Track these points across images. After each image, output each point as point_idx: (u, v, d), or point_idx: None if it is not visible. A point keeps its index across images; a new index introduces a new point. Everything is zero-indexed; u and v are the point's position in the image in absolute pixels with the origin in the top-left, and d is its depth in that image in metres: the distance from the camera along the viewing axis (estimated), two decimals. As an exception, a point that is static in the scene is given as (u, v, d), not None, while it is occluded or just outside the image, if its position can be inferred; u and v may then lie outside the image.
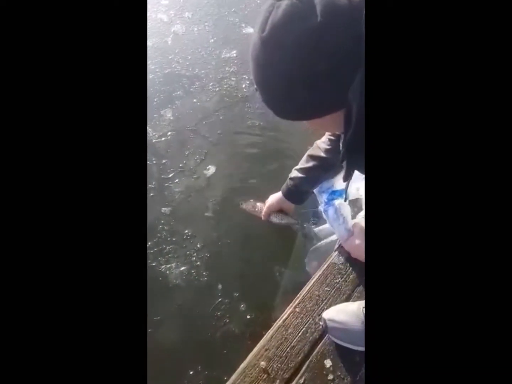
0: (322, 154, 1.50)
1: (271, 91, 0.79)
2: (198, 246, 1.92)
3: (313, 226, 1.82)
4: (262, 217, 1.84)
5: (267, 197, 1.85)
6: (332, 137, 1.46)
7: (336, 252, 1.49)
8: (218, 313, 1.62)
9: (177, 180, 2.14)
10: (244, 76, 2.75)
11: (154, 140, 2.33)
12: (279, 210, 1.79)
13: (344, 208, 1.50)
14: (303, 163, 1.60)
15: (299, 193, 1.69)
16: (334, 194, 1.61)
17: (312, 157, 1.56)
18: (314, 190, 1.70)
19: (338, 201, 1.55)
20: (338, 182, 1.61)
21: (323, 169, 1.55)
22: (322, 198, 1.64)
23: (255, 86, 0.81)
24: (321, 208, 1.66)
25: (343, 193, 1.52)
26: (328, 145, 1.48)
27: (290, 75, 0.73)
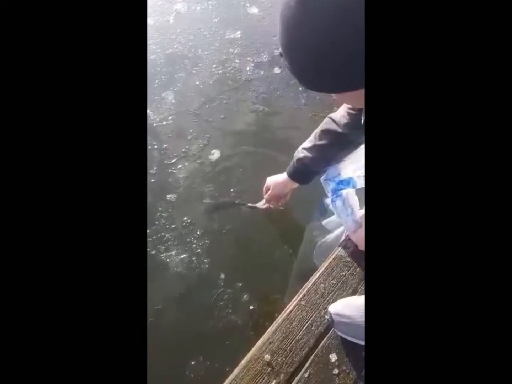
0: (339, 130, 1.36)
1: (303, 57, 0.71)
2: (198, 233, 1.88)
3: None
4: (265, 202, 1.79)
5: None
6: (353, 111, 1.30)
7: (343, 244, 1.46)
8: (221, 303, 1.60)
9: (180, 166, 2.08)
10: (248, 59, 2.66)
11: (155, 124, 2.27)
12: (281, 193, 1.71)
13: (352, 199, 1.45)
14: (315, 140, 1.44)
15: (308, 174, 1.53)
16: (342, 183, 1.55)
17: (326, 133, 1.41)
18: (321, 179, 1.64)
19: (346, 191, 1.50)
20: (345, 170, 1.56)
21: (339, 146, 1.41)
22: (329, 188, 1.59)
23: (280, 51, 0.73)
24: (327, 201, 1.62)
25: (351, 182, 1.47)
26: (348, 120, 1.33)
27: (329, 40, 0.65)
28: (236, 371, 1.21)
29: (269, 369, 1.20)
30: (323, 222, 1.72)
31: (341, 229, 1.60)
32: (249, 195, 1.97)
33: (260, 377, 1.19)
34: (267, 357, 1.22)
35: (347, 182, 1.54)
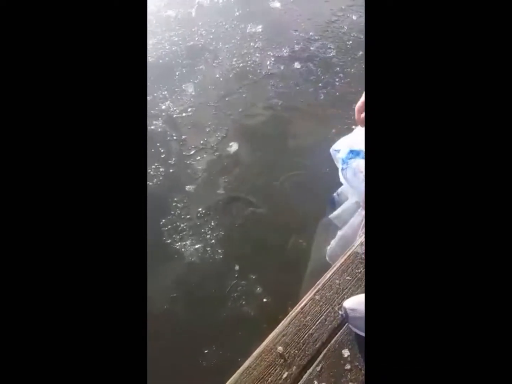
0: None
1: None
2: (212, 224, 1.90)
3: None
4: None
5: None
6: None
7: (359, 241, 1.45)
8: (234, 295, 1.61)
9: (198, 158, 2.10)
10: (269, 53, 2.66)
11: (174, 116, 2.29)
12: None
13: (362, 166, 1.42)
14: None
15: None
16: (352, 153, 1.52)
17: None
18: (331, 149, 1.61)
19: (356, 162, 1.46)
20: (356, 141, 1.52)
21: None
22: (339, 157, 1.55)
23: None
24: (336, 194, 1.60)
25: (361, 152, 1.45)
26: None
27: None
28: (248, 361, 1.22)
29: (282, 360, 1.22)
30: (331, 216, 1.71)
31: (352, 222, 1.59)
32: (265, 188, 1.98)
33: (272, 368, 1.20)
34: (280, 348, 1.23)
35: (357, 153, 1.50)
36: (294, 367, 1.21)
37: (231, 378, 1.18)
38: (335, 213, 1.72)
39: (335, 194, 1.65)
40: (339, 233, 1.68)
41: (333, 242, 1.66)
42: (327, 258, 1.64)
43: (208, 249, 1.83)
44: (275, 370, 1.20)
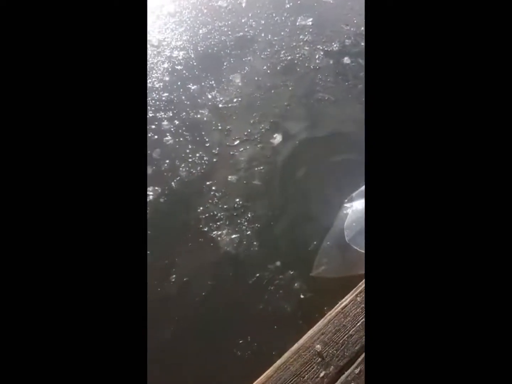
0: None
1: None
2: (249, 215, 1.89)
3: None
4: None
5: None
6: None
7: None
8: (271, 288, 1.60)
9: (242, 149, 2.10)
10: (318, 47, 2.60)
11: (220, 105, 2.30)
12: None
13: None
14: None
15: None
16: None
17: None
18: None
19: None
20: None
21: None
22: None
23: None
24: None
25: None
26: None
27: None
28: (286, 356, 1.21)
29: (319, 359, 1.20)
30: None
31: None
32: (310, 184, 1.95)
33: (309, 365, 1.19)
34: (318, 347, 1.21)
35: None
36: (332, 367, 1.19)
37: (268, 371, 1.17)
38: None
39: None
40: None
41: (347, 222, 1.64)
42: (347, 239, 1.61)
43: (244, 240, 1.83)
44: (312, 368, 1.19)
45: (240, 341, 1.46)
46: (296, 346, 1.23)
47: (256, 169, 2.02)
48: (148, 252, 1.74)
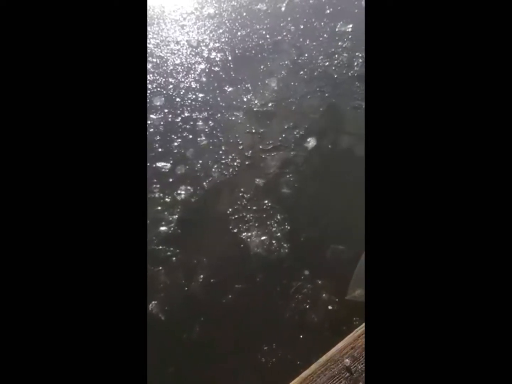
0: None
1: None
2: (279, 218, 1.88)
3: None
4: None
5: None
6: None
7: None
8: (299, 296, 1.58)
9: (274, 154, 2.09)
10: (357, 54, 2.56)
11: (255, 109, 2.30)
12: None
13: None
14: None
15: None
16: None
17: None
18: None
19: None
20: None
21: None
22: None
23: None
24: None
25: None
26: None
27: None
28: (313, 367, 1.18)
29: (348, 374, 1.16)
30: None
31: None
32: (340, 193, 1.92)
33: (337, 379, 1.16)
34: (347, 361, 1.18)
35: None
36: (360, 383, 1.15)
37: (294, 381, 1.15)
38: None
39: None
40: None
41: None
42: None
43: (274, 242, 1.81)
44: (340, 383, 1.16)
45: (265, 347, 1.44)
46: (324, 358, 1.20)
47: (284, 173, 2.01)
48: (177, 250, 1.76)
